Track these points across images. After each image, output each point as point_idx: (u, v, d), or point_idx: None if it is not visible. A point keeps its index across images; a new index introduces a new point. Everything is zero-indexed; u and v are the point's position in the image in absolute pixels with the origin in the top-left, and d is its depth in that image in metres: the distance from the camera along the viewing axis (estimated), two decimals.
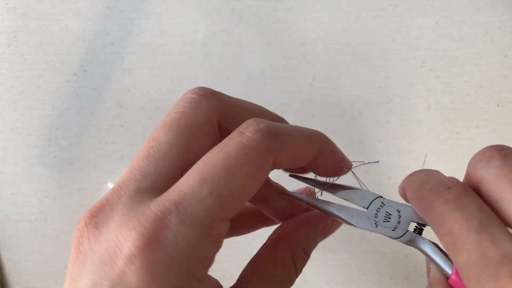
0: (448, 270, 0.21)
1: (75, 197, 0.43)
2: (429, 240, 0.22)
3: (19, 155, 0.43)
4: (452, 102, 0.43)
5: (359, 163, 0.26)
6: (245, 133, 0.19)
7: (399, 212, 0.23)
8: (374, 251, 0.43)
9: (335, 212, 0.24)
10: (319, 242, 0.24)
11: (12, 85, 0.43)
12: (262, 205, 0.25)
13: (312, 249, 0.24)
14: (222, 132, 0.21)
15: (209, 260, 0.18)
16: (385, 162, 0.44)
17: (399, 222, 0.23)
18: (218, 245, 0.18)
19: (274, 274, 0.21)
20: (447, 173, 0.46)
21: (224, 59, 0.43)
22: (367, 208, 0.23)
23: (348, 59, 0.43)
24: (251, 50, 0.43)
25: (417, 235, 0.22)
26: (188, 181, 0.18)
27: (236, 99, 0.23)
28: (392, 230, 0.22)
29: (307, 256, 0.23)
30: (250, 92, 0.43)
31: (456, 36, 0.43)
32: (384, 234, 0.23)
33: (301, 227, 0.24)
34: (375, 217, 0.23)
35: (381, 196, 0.23)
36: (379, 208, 0.23)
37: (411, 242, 0.22)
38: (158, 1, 0.43)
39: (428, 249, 0.22)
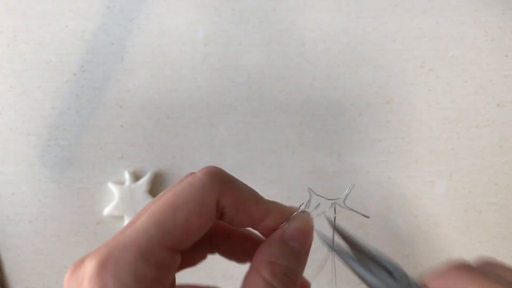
0: None
1: (75, 197, 0.43)
2: None
3: (19, 155, 0.43)
4: (452, 102, 0.43)
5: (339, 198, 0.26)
6: (196, 174, 0.22)
7: None
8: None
9: (362, 270, 0.22)
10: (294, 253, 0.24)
11: (12, 85, 0.43)
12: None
13: (284, 260, 0.23)
14: (218, 209, 0.23)
15: (150, 280, 0.20)
16: (385, 162, 0.43)
17: None
18: (159, 271, 0.20)
19: None
20: (447, 173, 0.46)
21: (224, 59, 0.43)
22: (397, 282, 0.22)
23: (348, 59, 0.43)
24: (251, 50, 0.43)
25: None
26: (141, 219, 0.21)
27: (235, 180, 0.24)
28: None
29: (272, 262, 0.23)
30: (250, 92, 0.43)
31: (457, 36, 0.43)
32: None
33: (262, 248, 0.24)
34: None
35: (407, 275, 0.22)
36: (407, 285, 0.22)
37: None
38: (158, 1, 0.43)
39: None
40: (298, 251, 0.24)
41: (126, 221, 0.43)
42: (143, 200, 0.42)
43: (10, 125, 0.43)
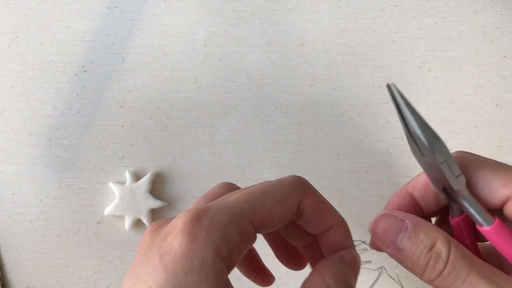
0: (486, 223, 0.23)
1: (76, 197, 0.43)
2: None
3: (21, 155, 0.43)
4: (451, 103, 0.44)
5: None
6: (285, 176, 0.25)
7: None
8: (373, 251, 0.44)
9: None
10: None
11: (13, 85, 0.43)
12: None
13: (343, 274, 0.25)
14: (299, 207, 0.26)
15: (233, 244, 0.22)
16: (385, 162, 0.44)
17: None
18: (242, 239, 0.22)
19: None
20: None
21: (224, 59, 0.43)
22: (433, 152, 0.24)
23: (347, 59, 0.43)
24: (251, 50, 0.43)
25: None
26: (234, 195, 0.24)
27: (316, 190, 0.27)
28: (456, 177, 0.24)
29: (334, 269, 0.25)
30: (250, 92, 0.44)
31: (455, 36, 0.43)
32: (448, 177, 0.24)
33: (328, 259, 0.26)
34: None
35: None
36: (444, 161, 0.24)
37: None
38: (159, 2, 0.43)
39: (472, 197, 0.23)
40: (352, 275, 0.26)
41: (127, 220, 0.43)
42: (144, 199, 0.42)
43: (12, 125, 0.43)
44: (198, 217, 0.21)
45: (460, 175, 0.23)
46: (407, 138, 0.24)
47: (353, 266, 0.26)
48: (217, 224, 0.21)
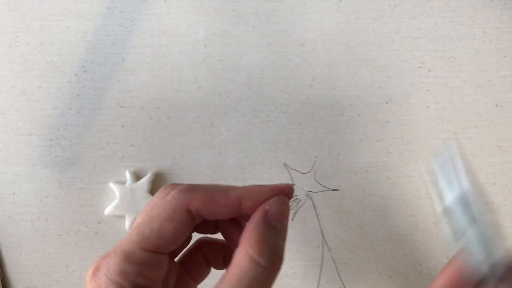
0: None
1: (76, 196, 0.43)
2: None
3: (21, 155, 0.43)
4: (451, 102, 0.44)
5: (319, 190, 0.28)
6: (170, 192, 0.27)
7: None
8: (373, 251, 0.44)
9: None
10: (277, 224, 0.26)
11: (13, 85, 0.43)
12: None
13: (266, 233, 0.26)
14: (192, 213, 0.27)
15: (133, 275, 0.25)
16: (384, 162, 0.44)
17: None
18: (142, 268, 0.25)
19: (231, 273, 0.25)
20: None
21: (224, 59, 0.43)
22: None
23: (347, 59, 0.43)
24: (251, 50, 0.43)
25: None
26: (129, 231, 0.27)
27: (201, 185, 0.28)
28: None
29: (256, 239, 0.25)
30: (250, 92, 0.44)
31: (455, 36, 0.43)
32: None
33: (248, 229, 0.26)
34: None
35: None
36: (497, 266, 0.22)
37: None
38: (159, 2, 0.43)
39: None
40: (280, 229, 0.26)
41: (127, 220, 0.43)
42: (144, 199, 0.43)
43: (12, 125, 0.43)
44: (97, 268, 0.26)
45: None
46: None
47: (279, 217, 0.26)
48: (113, 267, 0.25)
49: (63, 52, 0.43)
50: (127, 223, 0.43)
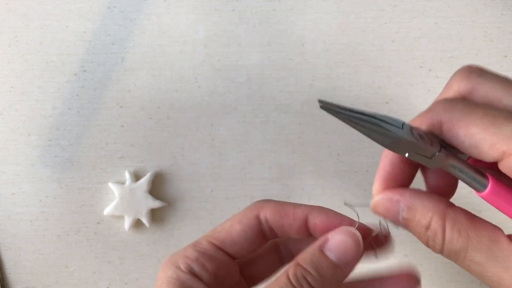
0: (481, 187, 0.22)
1: (75, 196, 0.43)
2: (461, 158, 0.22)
3: (20, 155, 0.43)
4: None
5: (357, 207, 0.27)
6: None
7: (426, 134, 0.22)
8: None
9: (378, 121, 0.22)
10: (331, 257, 0.25)
11: (12, 85, 0.43)
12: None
13: (312, 262, 0.25)
14: (260, 220, 0.28)
15: (191, 259, 0.26)
16: None
17: (431, 141, 0.22)
18: (202, 257, 0.27)
19: (269, 285, 0.25)
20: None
21: (224, 59, 0.43)
22: (402, 128, 0.22)
23: (348, 59, 0.43)
24: (251, 50, 0.43)
25: (450, 152, 0.22)
26: None
27: (276, 201, 0.29)
28: (430, 145, 0.22)
29: (298, 264, 0.25)
30: (250, 92, 0.43)
31: (456, 36, 0.43)
32: (424, 149, 0.22)
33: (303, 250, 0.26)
34: (412, 134, 0.22)
35: (405, 122, 0.23)
36: (411, 129, 0.22)
37: (446, 160, 0.22)
38: (159, 2, 0.43)
39: (460, 165, 0.22)
40: (333, 264, 0.24)
41: (127, 220, 0.43)
42: (144, 200, 0.42)
43: (11, 125, 0.43)
44: (171, 256, 0.27)
45: (435, 154, 0.22)
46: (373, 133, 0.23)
47: (339, 250, 0.25)
48: (178, 252, 0.27)
49: (63, 52, 0.43)
50: (127, 223, 0.43)
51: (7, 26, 0.43)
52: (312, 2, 0.43)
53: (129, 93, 0.43)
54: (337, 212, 0.27)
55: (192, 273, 0.26)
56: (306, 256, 0.25)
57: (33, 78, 0.43)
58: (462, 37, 0.43)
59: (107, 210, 0.43)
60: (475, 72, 0.23)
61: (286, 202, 0.28)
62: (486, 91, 0.22)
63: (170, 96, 0.43)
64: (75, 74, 0.43)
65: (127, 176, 0.43)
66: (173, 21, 0.43)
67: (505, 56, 0.43)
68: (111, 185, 0.43)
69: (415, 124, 0.23)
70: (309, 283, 0.24)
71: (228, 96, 0.43)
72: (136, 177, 0.43)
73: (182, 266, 0.26)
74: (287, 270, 0.24)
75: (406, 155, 0.22)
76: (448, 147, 0.22)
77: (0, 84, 0.43)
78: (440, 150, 0.22)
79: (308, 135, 0.44)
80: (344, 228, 0.25)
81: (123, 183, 0.43)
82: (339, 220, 0.27)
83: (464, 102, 0.22)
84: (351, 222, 0.26)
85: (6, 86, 0.43)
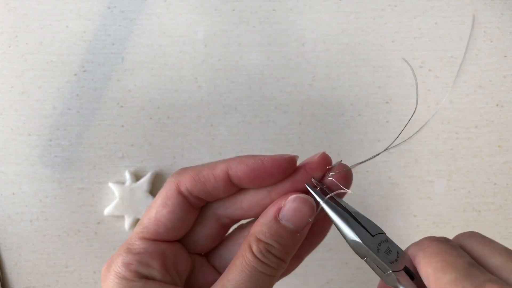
0: None
1: (75, 196, 0.43)
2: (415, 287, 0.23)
3: (20, 155, 0.43)
4: (451, 102, 0.43)
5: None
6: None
7: (398, 253, 0.24)
8: None
9: (342, 223, 0.24)
10: (289, 225, 0.25)
11: (13, 85, 0.43)
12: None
13: (271, 231, 0.24)
14: (185, 195, 0.27)
15: (134, 266, 0.25)
16: (385, 162, 0.44)
17: (396, 259, 0.23)
18: (142, 258, 0.25)
19: (236, 266, 0.24)
20: (446, 173, 0.47)
21: (224, 59, 0.43)
22: (373, 236, 0.24)
23: (347, 59, 0.43)
24: (251, 50, 0.43)
25: (408, 278, 0.23)
26: None
27: (192, 166, 0.27)
28: (390, 262, 0.23)
29: (260, 240, 0.24)
30: (250, 92, 0.43)
31: (456, 36, 0.43)
32: (381, 263, 0.23)
33: (257, 221, 0.25)
34: (379, 245, 0.24)
35: (385, 234, 0.24)
36: (383, 241, 0.24)
37: (397, 282, 0.23)
38: (159, 2, 0.43)
39: None
40: (292, 231, 0.25)
41: (127, 220, 0.43)
42: (144, 199, 0.42)
43: (11, 125, 0.43)
44: (107, 268, 0.26)
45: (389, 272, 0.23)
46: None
47: (294, 218, 0.25)
48: (116, 264, 0.25)
49: (63, 52, 0.43)
50: (127, 223, 0.43)
51: (7, 26, 0.43)
52: (312, 2, 0.43)
53: (129, 93, 0.43)
54: (254, 155, 0.26)
55: (141, 277, 0.25)
56: (264, 229, 0.24)
57: (33, 78, 0.43)
58: (462, 37, 0.43)
59: (107, 210, 0.43)
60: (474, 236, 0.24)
61: (202, 165, 0.27)
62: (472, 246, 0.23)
63: (170, 96, 0.43)
64: (75, 74, 0.43)
65: (127, 176, 0.43)
66: (173, 21, 0.43)
67: (505, 56, 0.43)
68: (111, 185, 0.43)
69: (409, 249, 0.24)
70: (274, 255, 0.24)
71: (228, 96, 0.43)
72: (136, 177, 0.43)
73: (128, 275, 0.25)
74: (251, 248, 0.24)
75: (365, 259, 0.24)
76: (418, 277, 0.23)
77: (0, 84, 0.43)
78: (398, 271, 0.23)
79: (308, 135, 0.44)
80: (294, 196, 0.25)
81: (123, 183, 0.43)
82: (259, 162, 0.26)
83: (441, 243, 0.23)
84: (275, 161, 0.26)
85: (6, 86, 0.43)
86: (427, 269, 0.22)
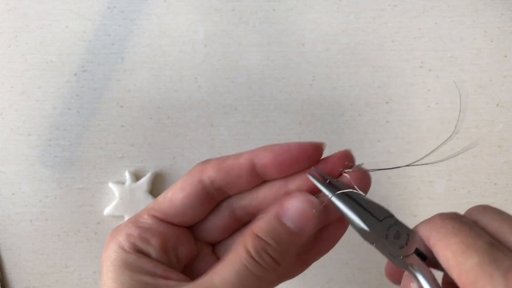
0: None
1: (75, 196, 0.43)
2: (429, 269, 0.22)
3: (20, 155, 0.43)
4: (452, 102, 0.43)
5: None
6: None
7: (408, 235, 0.23)
8: (374, 251, 0.43)
9: (349, 212, 0.24)
10: (288, 223, 0.24)
11: (12, 85, 0.43)
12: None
13: (268, 230, 0.23)
14: (205, 184, 0.26)
15: (135, 237, 0.25)
16: (385, 162, 0.44)
17: (406, 243, 0.23)
18: (144, 232, 0.25)
19: (227, 260, 0.23)
20: (446, 173, 0.47)
21: (224, 59, 0.43)
22: (380, 221, 0.23)
23: (347, 59, 0.43)
24: (251, 50, 0.43)
25: (420, 260, 0.22)
26: None
27: (216, 157, 0.27)
28: (400, 247, 0.23)
29: (257, 235, 0.23)
30: (250, 92, 0.43)
31: (456, 36, 0.43)
32: (390, 249, 0.23)
33: (258, 217, 0.25)
34: (387, 230, 0.23)
35: (394, 216, 0.24)
36: (392, 224, 0.23)
37: (409, 266, 0.23)
38: (159, 2, 0.43)
39: (424, 277, 0.22)
40: (293, 232, 0.24)
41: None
42: (144, 199, 0.42)
43: (11, 125, 0.43)
44: (112, 233, 0.26)
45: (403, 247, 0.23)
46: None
47: (297, 220, 0.24)
48: (119, 232, 0.25)
49: (63, 52, 0.43)
50: None
51: (7, 26, 0.43)
52: (312, 2, 0.43)
53: (129, 93, 0.43)
54: (282, 143, 0.25)
55: (138, 251, 0.25)
56: (263, 226, 0.23)
57: (33, 78, 0.43)
58: (462, 37, 0.43)
59: (107, 210, 0.43)
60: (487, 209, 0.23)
61: (227, 156, 0.26)
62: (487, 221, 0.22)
63: (170, 96, 0.43)
64: (75, 74, 0.43)
65: (127, 176, 0.43)
66: (173, 21, 0.43)
67: (505, 56, 0.43)
68: (111, 185, 0.43)
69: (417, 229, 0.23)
70: (269, 255, 0.23)
71: (228, 96, 0.43)
72: (136, 177, 0.43)
73: (126, 246, 0.25)
74: (245, 243, 0.23)
75: (374, 245, 0.24)
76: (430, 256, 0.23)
77: (0, 84, 0.43)
78: (410, 255, 0.23)
79: (308, 135, 0.44)
80: (299, 194, 0.24)
81: (123, 183, 0.43)
82: (286, 148, 0.25)
83: (456, 221, 0.22)
84: (301, 148, 0.25)
85: (6, 86, 0.43)
86: (445, 252, 0.21)
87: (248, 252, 0.23)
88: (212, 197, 0.26)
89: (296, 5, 0.43)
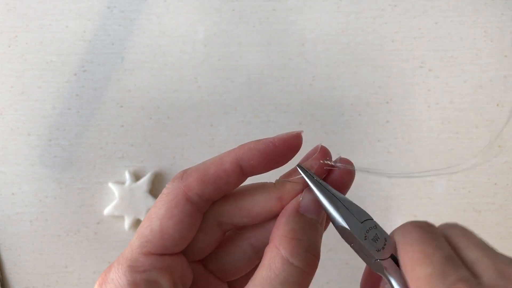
0: None
1: (75, 196, 0.43)
2: (402, 274, 0.23)
3: (20, 155, 0.43)
4: (452, 102, 0.43)
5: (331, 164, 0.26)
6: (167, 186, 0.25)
7: (386, 240, 0.23)
8: None
9: (332, 210, 0.24)
10: (301, 221, 0.24)
11: (12, 85, 0.43)
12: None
13: (295, 229, 0.23)
14: (194, 200, 0.25)
15: (142, 285, 0.23)
16: (385, 162, 0.44)
17: (383, 247, 0.23)
18: (149, 274, 0.23)
19: (261, 275, 0.22)
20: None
21: (224, 59, 0.43)
22: (361, 223, 0.24)
23: (348, 59, 0.43)
24: (251, 50, 0.43)
25: (395, 265, 0.23)
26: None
27: (195, 166, 0.26)
28: (377, 250, 0.23)
29: (292, 238, 0.23)
30: (250, 92, 0.43)
31: (456, 36, 0.43)
32: (367, 250, 0.23)
33: (279, 223, 0.24)
34: (366, 232, 0.24)
35: (373, 219, 0.24)
36: (371, 227, 0.24)
37: (384, 269, 0.23)
38: (159, 2, 0.43)
39: (396, 282, 0.22)
40: (315, 222, 0.24)
41: (126, 221, 0.43)
42: (143, 199, 0.42)
43: (11, 125, 0.43)
44: (103, 281, 0.23)
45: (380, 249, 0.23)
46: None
47: (315, 208, 0.24)
48: (120, 279, 0.23)
49: (63, 52, 0.43)
50: (127, 223, 0.43)
51: (7, 26, 0.43)
52: (312, 2, 0.43)
53: (129, 93, 0.43)
54: (258, 141, 0.25)
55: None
56: (290, 227, 0.23)
57: (33, 78, 0.43)
58: (462, 37, 0.43)
59: (107, 210, 0.43)
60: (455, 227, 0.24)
61: (205, 163, 0.25)
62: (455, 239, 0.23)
63: (170, 96, 0.43)
64: (75, 74, 0.43)
65: (127, 176, 0.43)
66: (173, 21, 0.43)
67: (505, 56, 0.43)
68: (111, 185, 0.43)
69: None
70: (310, 252, 0.23)
71: (228, 96, 0.43)
72: (136, 177, 0.43)
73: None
74: (280, 250, 0.22)
75: (351, 245, 0.24)
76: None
77: (0, 84, 0.43)
78: (386, 259, 0.23)
79: (308, 135, 0.44)
80: (306, 192, 0.25)
81: (123, 183, 0.43)
82: (270, 145, 0.25)
83: (423, 231, 0.22)
84: (283, 140, 0.25)
85: (6, 86, 0.43)
86: (405, 258, 0.21)
87: (285, 259, 0.22)
88: (200, 210, 0.25)
89: (296, 5, 0.43)
